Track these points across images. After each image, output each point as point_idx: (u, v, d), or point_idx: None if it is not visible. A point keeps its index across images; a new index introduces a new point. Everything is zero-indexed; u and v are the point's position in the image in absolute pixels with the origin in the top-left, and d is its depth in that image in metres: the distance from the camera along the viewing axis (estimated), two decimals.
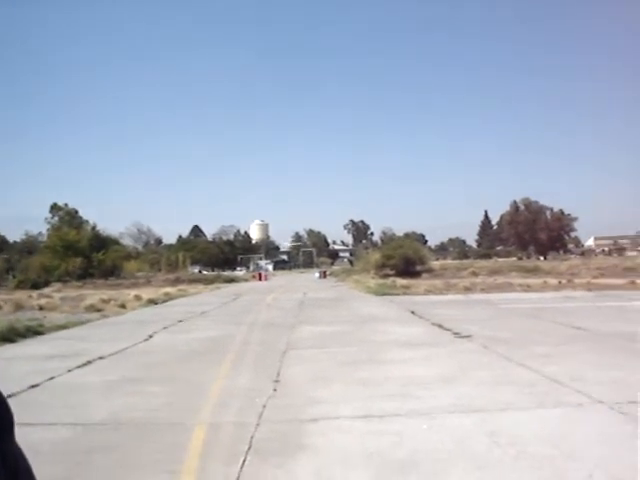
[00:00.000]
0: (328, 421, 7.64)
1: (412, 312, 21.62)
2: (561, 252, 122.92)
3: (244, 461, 6.20)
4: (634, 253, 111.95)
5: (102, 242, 71.88)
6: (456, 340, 14.60)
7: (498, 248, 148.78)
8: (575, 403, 8.14)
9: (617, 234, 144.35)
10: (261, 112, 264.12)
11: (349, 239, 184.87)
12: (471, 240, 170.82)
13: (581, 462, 5.82)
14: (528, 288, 35.29)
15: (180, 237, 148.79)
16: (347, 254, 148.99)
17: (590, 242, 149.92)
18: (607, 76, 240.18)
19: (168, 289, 43.55)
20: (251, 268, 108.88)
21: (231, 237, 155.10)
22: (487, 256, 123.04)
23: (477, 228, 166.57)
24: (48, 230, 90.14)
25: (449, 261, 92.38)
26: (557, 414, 7.66)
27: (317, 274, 76.70)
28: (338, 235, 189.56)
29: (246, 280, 71.59)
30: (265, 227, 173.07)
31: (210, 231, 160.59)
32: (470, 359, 11.86)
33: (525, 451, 6.19)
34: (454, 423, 7.37)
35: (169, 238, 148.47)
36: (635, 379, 9.50)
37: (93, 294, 36.38)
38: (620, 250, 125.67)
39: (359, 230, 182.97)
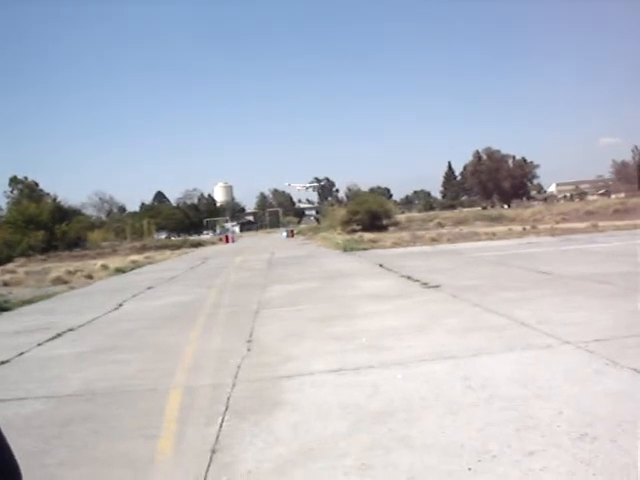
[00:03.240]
0: (303, 377, 7.70)
1: (380, 265, 21.77)
2: (524, 199, 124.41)
3: (222, 421, 6.23)
4: (595, 197, 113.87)
5: (64, 214, 70.50)
6: (425, 290, 14.77)
7: (463, 198, 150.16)
8: (543, 345, 8.32)
9: (578, 179, 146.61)
10: (219, 72, 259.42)
11: (315, 197, 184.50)
12: (436, 192, 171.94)
13: (551, 401, 5.97)
14: (493, 236, 35.77)
15: (143, 204, 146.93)
16: (313, 212, 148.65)
17: (552, 188, 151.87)
18: (565, 20, 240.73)
19: (135, 257, 43.16)
20: (217, 231, 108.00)
21: (195, 201, 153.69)
22: (452, 207, 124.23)
23: (441, 180, 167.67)
24: (8, 204, 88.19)
25: (415, 214, 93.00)
26: (527, 356, 7.81)
27: (284, 234, 76.57)
28: (303, 193, 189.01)
29: (213, 243, 71.24)
30: (229, 189, 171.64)
31: (174, 196, 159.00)
32: (440, 308, 12.02)
33: (497, 393, 6.33)
34: (428, 371, 7.49)
35: (132, 206, 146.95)
36: (599, 318, 9.75)
37: (58, 266, 35.87)
38: (581, 195, 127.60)
39: (324, 187, 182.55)
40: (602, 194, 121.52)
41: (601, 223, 39.57)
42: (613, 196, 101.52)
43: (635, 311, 10.18)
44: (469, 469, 4.61)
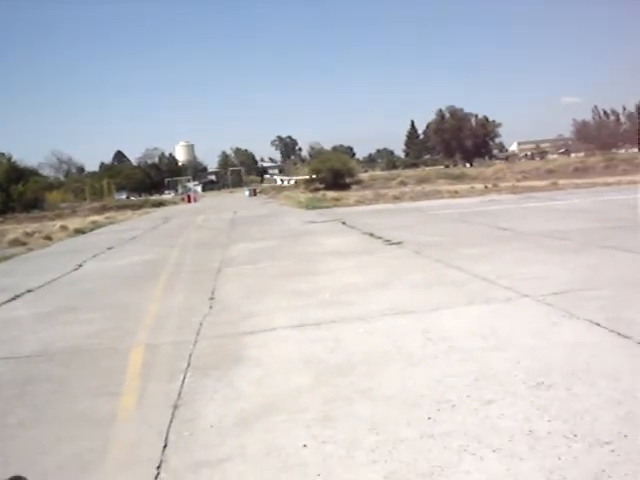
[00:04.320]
0: (265, 333, 7.71)
1: (343, 223, 21.81)
2: (487, 158, 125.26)
3: (184, 378, 6.22)
4: (555, 156, 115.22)
5: (20, 174, 68.50)
6: (388, 247, 14.86)
7: (426, 157, 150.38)
8: (503, 298, 8.46)
9: (539, 138, 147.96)
10: (180, 27, 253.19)
11: (277, 155, 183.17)
12: (399, 151, 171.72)
13: (509, 352, 6.09)
14: (455, 194, 36.02)
15: (103, 164, 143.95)
16: (276, 171, 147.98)
17: (514, 147, 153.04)
18: None
19: (95, 217, 42.47)
20: (179, 191, 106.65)
21: (156, 160, 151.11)
22: (415, 165, 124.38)
23: (404, 138, 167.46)
24: None
25: (378, 172, 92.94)
26: (486, 310, 7.95)
27: (247, 192, 76.03)
28: (266, 152, 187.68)
29: (175, 203, 70.38)
30: (190, 148, 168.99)
31: (134, 155, 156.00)
32: (402, 264, 12.11)
33: (457, 346, 6.43)
34: (389, 325, 7.56)
35: (92, 165, 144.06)
36: (557, 273, 9.95)
37: (16, 228, 35.18)
38: (542, 153, 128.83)
39: (287, 146, 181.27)
40: (562, 153, 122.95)
41: (561, 181, 40.15)
42: (573, 155, 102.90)
43: (591, 265, 10.41)
44: (429, 418, 4.69)
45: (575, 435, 4.20)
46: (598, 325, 6.73)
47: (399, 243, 15.16)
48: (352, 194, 42.62)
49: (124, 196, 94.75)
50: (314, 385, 5.66)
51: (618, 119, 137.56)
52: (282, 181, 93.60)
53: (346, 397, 5.28)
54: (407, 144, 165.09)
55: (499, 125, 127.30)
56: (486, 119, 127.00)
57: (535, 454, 4.01)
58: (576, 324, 6.90)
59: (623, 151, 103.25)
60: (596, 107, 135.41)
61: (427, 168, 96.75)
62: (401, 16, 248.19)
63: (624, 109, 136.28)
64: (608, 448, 3.99)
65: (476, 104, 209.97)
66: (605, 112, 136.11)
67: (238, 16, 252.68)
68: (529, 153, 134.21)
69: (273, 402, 5.33)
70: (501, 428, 4.42)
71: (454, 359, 6.03)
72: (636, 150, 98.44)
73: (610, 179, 39.71)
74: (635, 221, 16.14)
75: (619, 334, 6.36)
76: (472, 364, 5.82)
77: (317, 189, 51.60)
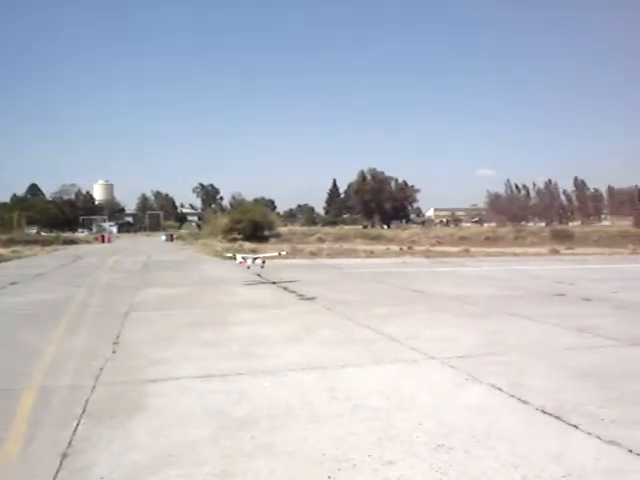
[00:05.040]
0: (169, 382, 7.46)
1: (258, 275, 21.68)
2: (404, 221, 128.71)
3: (77, 424, 5.90)
4: (469, 224, 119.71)
5: None
6: (300, 302, 14.84)
7: (345, 216, 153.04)
8: (410, 359, 8.55)
9: (455, 206, 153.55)
10: (100, 54, 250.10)
11: (198, 203, 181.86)
12: (319, 208, 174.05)
13: (413, 412, 6.12)
14: (371, 254, 36.67)
15: (15, 195, 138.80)
16: (195, 218, 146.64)
17: (430, 213, 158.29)
18: (455, 56, 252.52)
19: (0, 250, 40.61)
20: (94, 230, 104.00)
21: (72, 197, 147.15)
22: (334, 223, 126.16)
23: (326, 196, 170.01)
24: None
25: (297, 227, 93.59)
26: (393, 370, 7.99)
27: (164, 237, 75.05)
28: (187, 199, 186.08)
29: (88, 242, 68.48)
30: (109, 187, 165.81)
31: (49, 190, 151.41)
32: (313, 320, 12.10)
33: (362, 404, 6.41)
34: (296, 380, 7.47)
35: (2, 196, 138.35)
36: (464, 336, 10.18)
37: None
38: (457, 221, 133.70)
39: (208, 194, 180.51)
40: (476, 222, 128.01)
41: (473, 249, 41.62)
42: (486, 224, 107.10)
43: (496, 331, 10.71)
44: (328, 477, 4.61)
45: None
46: (500, 390, 6.89)
47: (312, 299, 15.18)
48: (270, 247, 42.56)
49: (34, 230, 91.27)
50: (214, 438, 5.48)
51: (528, 194, 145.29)
52: (200, 228, 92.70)
53: (246, 452, 5.14)
54: (328, 202, 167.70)
55: (417, 191, 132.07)
56: (405, 184, 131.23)
57: None
58: (478, 388, 7.03)
59: (532, 224, 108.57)
60: (508, 181, 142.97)
61: (346, 227, 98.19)
62: (327, 77, 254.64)
63: (534, 185, 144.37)
64: None
65: (396, 169, 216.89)
66: (517, 186, 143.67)
67: (158, 53, 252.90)
68: (444, 220, 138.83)
69: (170, 454, 5.11)
70: None
71: (358, 418, 6.00)
72: (544, 224, 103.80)
73: (518, 249, 41.55)
74: (538, 290, 16.85)
75: (519, 399, 6.52)
76: (376, 423, 5.80)
77: (235, 239, 51.30)
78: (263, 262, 20.58)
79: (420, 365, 8.25)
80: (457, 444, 5.22)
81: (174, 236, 78.14)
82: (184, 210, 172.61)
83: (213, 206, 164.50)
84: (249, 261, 20.97)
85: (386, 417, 5.99)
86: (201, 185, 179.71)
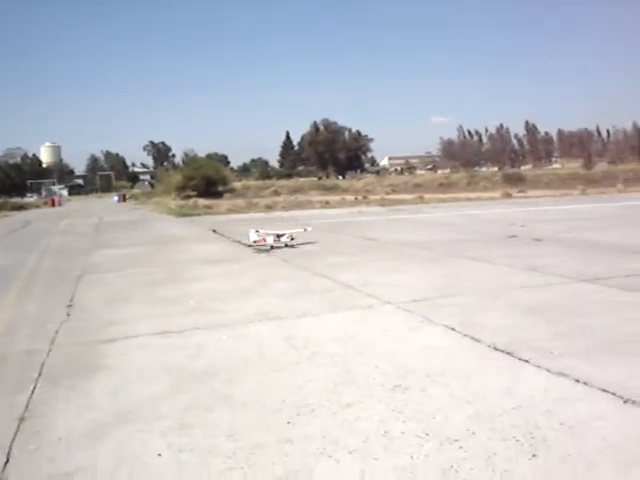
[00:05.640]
0: (126, 340, 7.42)
1: (214, 231, 21.59)
2: (359, 171, 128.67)
3: (34, 388, 5.84)
4: (423, 171, 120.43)
5: None
6: (257, 255, 14.84)
7: (300, 168, 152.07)
8: (366, 305, 8.66)
9: (409, 154, 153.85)
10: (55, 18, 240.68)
11: (150, 161, 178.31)
12: (274, 161, 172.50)
13: (369, 356, 6.23)
14: (327, 205, 36.73)
15: None
16: (148, 177, 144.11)
17: (385, 162, 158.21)
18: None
19: None
20: (43, 194, 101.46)
21: (18, 160, 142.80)
22: (289, 176, 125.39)
23: (279, 149, 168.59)
24: None
25: (252, 182, 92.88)
26: (349, 316, 8.09)
27: (116, 198, 73.81)
28: (138, 157, 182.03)
29: (38, 207, 66.93)
30: (57, 149, 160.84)
31: None
32: (270, 272, 12.13)
33: (319, 351, 6.49)
34: (253, 332, 7.52)
35: None
36: (418, 281, 10.35)
37: None
38: (411, 169, 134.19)
39: (160, 152, 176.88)
40: (430, 169, 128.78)
41: (427, 195, 42.06)
42: (440, 171, 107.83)
43: (450, 274, 10.91)
44: (288, 423, 4.68)
45: (427, 434, 4.34)
46: (453, 330, 7.05)
47: (268, 251, 15.17)
48: (224, 202, 42.31)
49: None
50: (173, 392, 5.50)
51: (480, 139, 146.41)
52: (153, 187, 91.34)
53: (205, 404, 5.17)
54: (282, 155, 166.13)
55: (371, 140, 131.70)
56: (359, 133, 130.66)
57: (389, 454, 4.10)
58: (433, 329, 7.19)
59: (485, 169, 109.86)
60: (461, 127, 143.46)
61: (301, 179, 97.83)
62: (284, 26, 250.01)
63: (486, 130, 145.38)
64: (457, 445, 4.15)
65: (350, 118, 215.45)
66: (469, 132, 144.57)
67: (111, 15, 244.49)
68: (399, 168, 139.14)
69: (128, 411, 5.11)
70: (358, 430, 4.48)
71: (316, 364, 6.08)
72: (496, 169, 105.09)
73: (472, 194, 42.10)
74: (491, 233, 17.15)
75: (472, 338, 6.69)
76: (333, 369, 5.89)
77: (189, 196, 50.76)
78: (292, 239, 16.07)
79: (376, 311, 8.37)
80: (413, 384, 5.34)
81: (127, 196, 76.86)
82: (136, 169, 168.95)
83: (165, 164, 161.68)
84: (269, 239, 15.83)
85: (343, 362, 6.08)
86: (152, 143, 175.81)
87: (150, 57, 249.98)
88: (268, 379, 5.72)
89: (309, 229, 17.80)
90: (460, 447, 4.12)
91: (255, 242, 15.86)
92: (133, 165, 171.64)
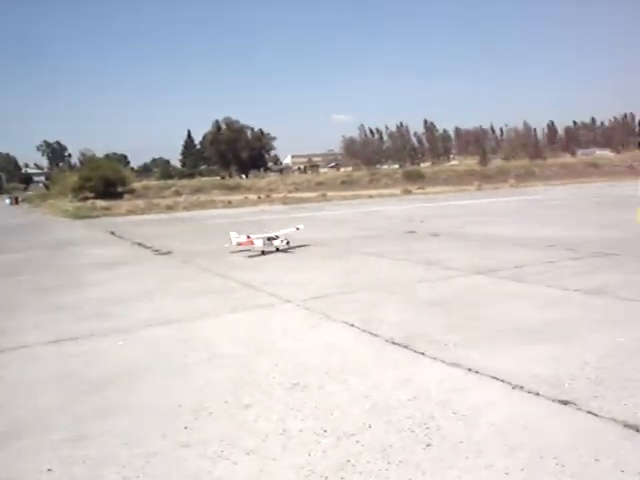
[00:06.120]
0: (14, 351, 7.05)
1: (112, 233, 20.96)
2: (262, 170, 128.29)
3: None
4: (326, 169, 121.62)
5: None
6: (157, 257, 14.53)
7: (202, 167, 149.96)
8: (266, 305, 8.65)
9: (312, 152, 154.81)
10: None
11: (44, 162, 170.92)
12: (175, 161, 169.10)
13: (269, 356, 6.21)
14: (229, 204, 36.44)
15: None
16: (43, 178, 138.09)
17: (288, 160, 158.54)
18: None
19: None
20: None
21: None
22: (191, 176, 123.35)
23: (181, 148, 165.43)
24: None
25: (152, 182, 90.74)
26: (250, 316, 8.05)
27: (7, 200, 70.50)
28: (31, 158, 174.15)
29: None
30: None
31: None
32: (170, 274, 11.90)
33: (219, 353, 6.42)
34: (151, 335, 7.34)
35: None
36: (319, 278, 10.44)
37: None
38: (314, 167, 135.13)
39: (55, 152, 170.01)
40: (333, 167, 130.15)
41: (330, 193, 42.48)
42: (342, 169, 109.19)
43: (350, 270, 11.07)
44: (185, 427, 4.59)
45: (325, 431, 4.37)
46: (352, 326, 7.15)
47: (168, 253, 14.90)
48: (124, 203, 41.15)
49: None
50: (66, 403, 5.28)
51: (381, 137, 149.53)
52: (48, 188, 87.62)
53: (101, 413, 4.99)
54: (184, 154, 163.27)
55: (274, 138, 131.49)
56: (262, 132, 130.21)
57: (287, 452, 4.10)
58: (332, 326, 7.26)
59: (386, 167, 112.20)
60: (362, 126, 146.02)
61: (203, 178, 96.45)
62: (182, 22, 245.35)
63: (386, 128, 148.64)
64: (354, 439, 4.21)
65: (253, 118, 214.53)
66: (371, 130, 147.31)
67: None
68: (302, 166, 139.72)
69: (17, 427, 4.85)
70: (256, 430, 4.46)
71: (215, 366, 6.01)
72: (397, 166, 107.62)
73: (373, 192, 42.90)
74: (392, 229, 17.54)
75: (370, 333, 6.81)
76: (233, 370, 5.84)
77: (86, 198, 49.01)
78: (287, 243, 14.12)
79: (277, 310, 8.37)
80: (311, 382, 5.37)
81: (19, 199, 73.45)
82: (29, 170, 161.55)
83: (61, 165, 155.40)
84: (258, 242, 14.02)
85: (243, 363, 6.04)
86: (46, 143, 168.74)
87: (39, 53, 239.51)
88: (165, 384, 5.60)
89: (301, 227, 16.21)
90: (357, 441, 4.18)
91: (240, 244, 14.24)
92: (26, 166, 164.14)
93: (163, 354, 6.54)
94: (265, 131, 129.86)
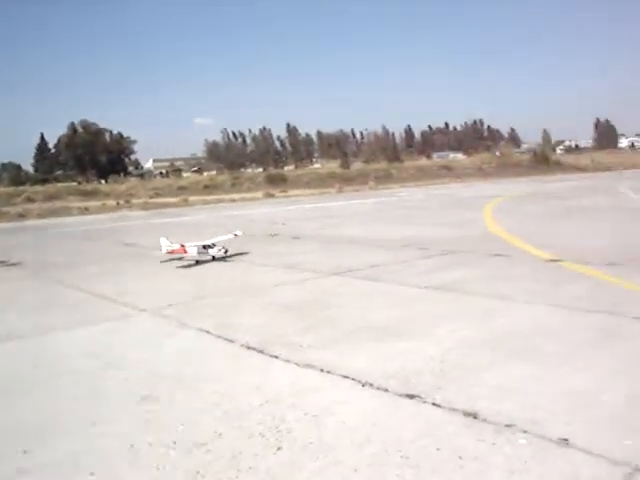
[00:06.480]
0: None
1: None
2: (122, 175, 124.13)
3: None
4: (189, 174, 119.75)
5: None
6: (1, 269, 13.60)
7: (58, 172, 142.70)
8: (121, 315, 8.35)
9: (174, 156, 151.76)
10: None
11: None
12: (27, 165, 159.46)
13: (122, 368, 6.00)
14: (86, 211, 34.93)
15: None
16: None
17: (149, 164, 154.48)
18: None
19: None
20: None
21: None
22: (45, 181, 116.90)
23: (34, 152, 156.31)
24: None
25: (1, 189, 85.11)
26: (103, 328, 7.73)
27: None
28: None
29: None
30: None
31: None
32: (17, 286, 11.22)
33: (68, 369, 6.11)
34: None
35: None
36: (175, 286, 10.25)
37: None
38: (176, 171, 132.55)
39: None
40: (196, 171, 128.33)
41: (192, 197, 41.79)
42: (205, 173, 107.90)
43: (207, 276, 10.95)
44: (25, 452, 4.31)
45: (175, 442, 4.27)
46: (208, 332, 7.07)
47: (17, 264, 14.01)
48: None
49: None
50: None
51: (244, 141, 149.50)
52: None
53: None
54: (37, 159, 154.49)
55: (134, 142, 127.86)
56: (121, 135, 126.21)
57: (134, 469, 3.96)
58: (187, 333, 7.14)
59: (250, 170, 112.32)
60: (225, 129, 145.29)
61: (59, 184, 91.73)
62: (44, 24, 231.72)
63: (250, 132, 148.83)
64: (204, 449, 4.14)
65: (112, 121, 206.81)
66: (234, 134, 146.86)
67: None
68: (164, 171, 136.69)
69: None
70: (103, 448, 4.27)
71: (64, 382, 5.72)
72: (261, 170, 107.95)
73: (236, 195, 42.78)
74: (253, 233, 17.50)
75: (226, 339, 6.76)
76: (81, 386, 5.58)
77: None
78: (226, 252, 12.73)
79: (131, 319, 8.11)
80: (163, 392, 5.24)
81: None
82: None
83: None
84: (192, 250, 12.74)
85: (94, 377, 5.80)
86: None
87: None
88: (6, 405, 5.25)
89: (239, 233, 14.64)
90: (207, 451, 4.12)
91: (171, 252, 12.97)
92: None
93: (4, 373, 6.12)
94: (125, 134, 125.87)
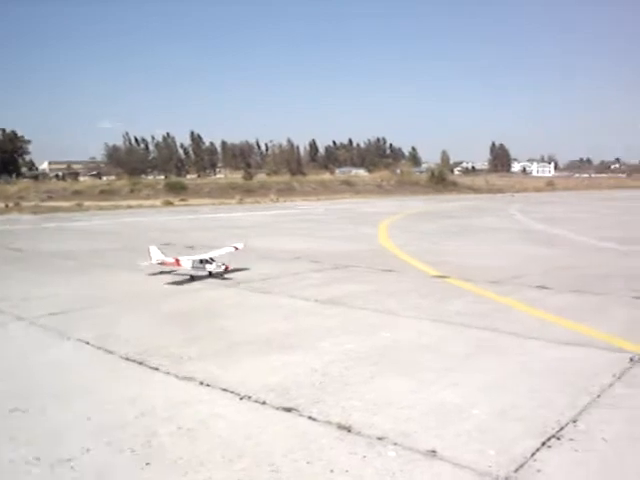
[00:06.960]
0: None
1: None
2: (14, 176, 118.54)
3: None
4: (87, 177, 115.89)
5: None
6: None
7: None
8: None
9: (72, 159, 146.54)
10: None
11: None
12: None
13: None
14: None
15: None
16: None
17: (44, 166, 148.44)
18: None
19: None
20: None
21: None
22: None
23: None
24: None
25: None
26: None
27: None
28: None
29: None
30: None
31: None
32: None
33: None
34: None
35: None
36: (60, 292, 9.89)
37: None
38: (74, 174, 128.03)
39: None
40: (94, 175, 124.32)
41: (87, 202, 40.37)
42: (105, 178, 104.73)
43: (93, 284, 10.61)
44: None
45: (38, 459, 4.08)
46: (87, 343, 6.82)
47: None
48: None
49: None
50: None
51: (147, 147, 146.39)
52: None
53: None
54: None
55: (29, 142, 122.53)
56: (15, 134, 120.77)
57: None
58: (66, 344, 6.86)
59: (152, 177, 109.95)
60: (127, 134, 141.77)
61: None
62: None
63: (153, 138, 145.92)
64: (69, 465, 3.98)
65: (5, 118, 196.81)
66: (136, 139, 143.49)
67: None
68: (60, 173, 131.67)
69: None
70: None
71: None
72: (163, 177, 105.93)
73: (133, 202, 41.71)
74: (145, 242, 17.06)
75: (105, 350, 6.55)
76: None
77: None
78: (226, 269, 11.25)
79: (6, 328, 7.70)
80: (33, 405, 5.00)
81: None
82: None
83: None
84: (187, 264, 11.34)
85: None
86: None
87: None
88: None
89: (240, 246, 12.77)
90: (72, 467, 3.96)
91: (162, 264, 11.58)
92: None
93: None
94: (19, 133, 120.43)
